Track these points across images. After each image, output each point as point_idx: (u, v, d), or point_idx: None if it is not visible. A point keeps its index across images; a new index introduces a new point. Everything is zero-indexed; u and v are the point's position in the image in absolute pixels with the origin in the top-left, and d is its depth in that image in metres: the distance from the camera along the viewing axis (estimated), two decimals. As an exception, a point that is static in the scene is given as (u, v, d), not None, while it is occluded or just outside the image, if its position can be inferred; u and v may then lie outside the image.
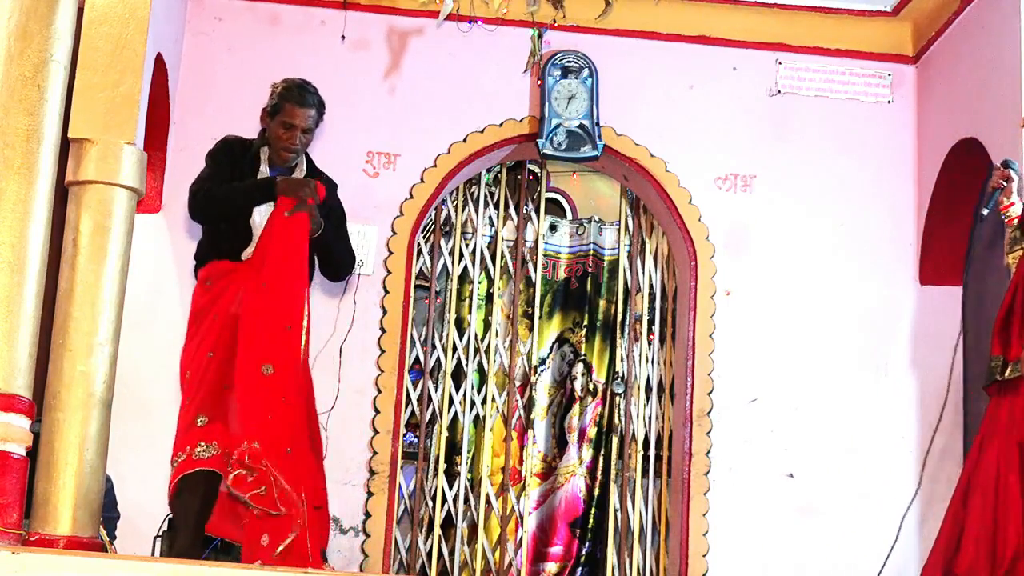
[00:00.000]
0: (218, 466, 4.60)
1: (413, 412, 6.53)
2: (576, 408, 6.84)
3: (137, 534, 5.35)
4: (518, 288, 6.80)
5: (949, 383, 5.64)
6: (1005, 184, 4.66)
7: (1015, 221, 4.62)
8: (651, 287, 6.80)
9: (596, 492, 6.72)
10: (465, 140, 6.30)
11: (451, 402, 6.63)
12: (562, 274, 6.99)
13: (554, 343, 6.95)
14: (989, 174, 4.80)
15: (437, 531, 6.47)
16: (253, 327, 4.68)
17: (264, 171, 4.95)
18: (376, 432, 5.99)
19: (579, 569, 6.68)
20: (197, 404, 4.70)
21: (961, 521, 4.33)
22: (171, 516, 4.86)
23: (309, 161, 5.12)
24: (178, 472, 4.64)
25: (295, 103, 4.94)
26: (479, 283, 6.78)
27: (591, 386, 6.86)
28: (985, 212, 4.76)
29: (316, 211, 4.80)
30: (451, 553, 6.53)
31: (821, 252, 6.32)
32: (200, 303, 4.88)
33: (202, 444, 4.63)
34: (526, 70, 6.18)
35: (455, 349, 6.69)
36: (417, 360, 6.60)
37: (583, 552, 6.70)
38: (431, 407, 6.59)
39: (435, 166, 6.27)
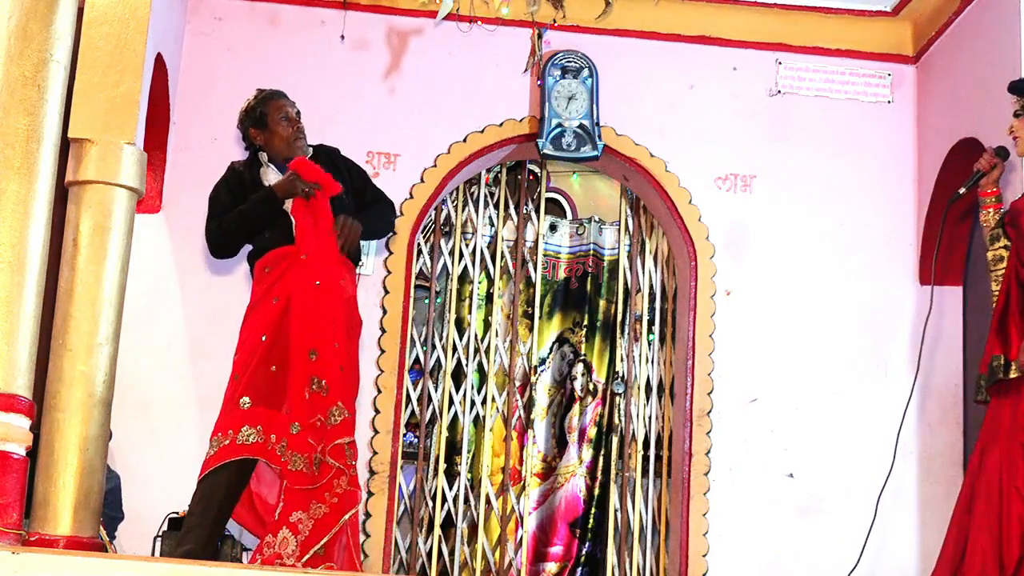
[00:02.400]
0: (259, 452, 4.58)
1: (413, 412, 6.53)
2: (576, 408, 6.84)
3: (137, 534, 5.35)
4: (518, 288, 6.80)
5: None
6: (988, 170, 4.65)
7: (991, 210, 4.61)
8: (651, 287, 6.80)
9: (596, 492, 6.72)
10: (465, 140, 6.30)
11: (451, 402, 6.63)
12: (562, 274, 6.99)
13: (554, 343, 6.95)
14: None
15: (437, 531, 6.47)
16: (304, 313, 4.69)
17: (275, 172, 4.94)
18: (376, 432, 5.99)
19: (579, 569, 6.68)
20: (244, 385, 4.66)
21: (966, 527, 4.31)
22: (192, 499, 4.81)
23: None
24: (221, 456, 4.59)
25: (276, 97, 4.99)
26: (479, 283, 6.78)
27: (591, 386, 6.86)
28: (961, 191, 4.75)
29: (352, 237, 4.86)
30: (451, 553, 6.53)
31: (821, 252, 6.32)
32: (259, 291, 4.83)
33: (246, 428, 4.59)
34: (526, 70, 6.18)
35: (455, 349, 6.69)
36: (417, 360, 6.60)
37: (583, 552, 6.70)
38: (431, 407, 6.59)
39: (435, 166, 6.27)
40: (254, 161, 5.01)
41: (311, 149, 5.06)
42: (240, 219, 4.88)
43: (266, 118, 4.95)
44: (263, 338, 4.70)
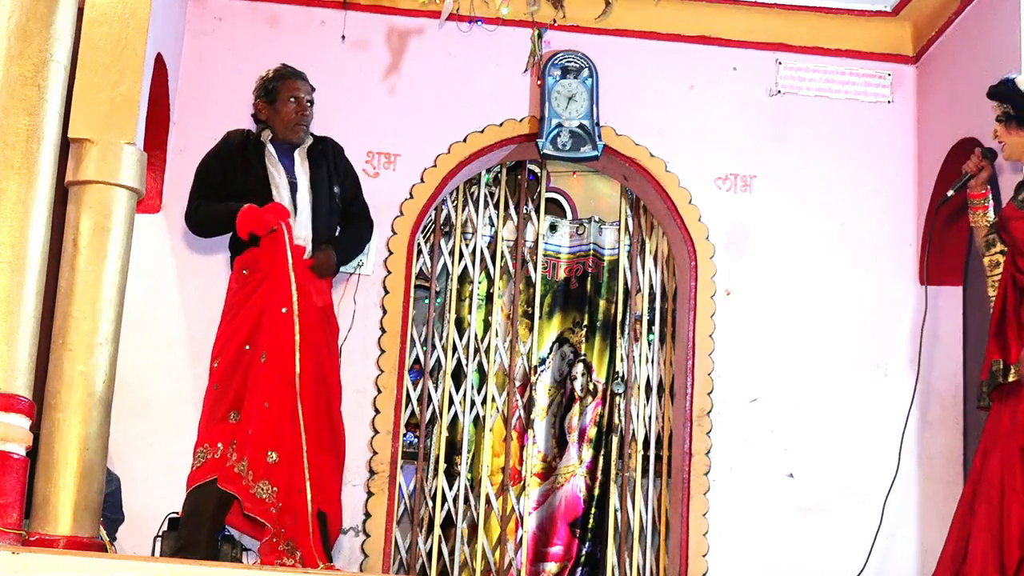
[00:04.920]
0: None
1: (413, 412, 6.53)
2: (576, 408, 6.84)
3: (137, 534, 5.35)
4: (518, 288, 6.80)
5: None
6: (977, 172, 4.64)
7: (980, 212, 4.61)
8: (651, 287, 6.80)
9: (596, 492, 6.72)
10: (465, 140, 6.30)
11: (451, 402, 6.62)
12: (562, 274, 6.99)
13: (554, 343, 6.95)
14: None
15: (437, 531, 6.47)
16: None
17: (272, 152, 4.95)
18: (376, 432, 5.99)
19: (579, 569, 6.68)
20: (231, 398, 4.64)
21: (968, 529, 4.31)
22: (181, 511, 4.81)
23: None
24: (209, 470, 4.58)
25: (293, 77, 5.01)
26: (479, 283, 6.78)
27: (591, 386, 6.86)
28: (950, 193, 4.73)
29: (329, 261, 4.85)
30: (451, 553, 6.52)
31: (821, 252, 6.32)
32: (237, 293, 4.82)
33: (235, 442, 4.60)
34: (526, 70, 6.17)
35: (455, 349, 6.68)
36: (417, 360, 6.60)
37: (583, 552, 6.70)
38: (431, 407, 6.59)
39: (435, 166, 6.27)
40: (257, 138, 4.98)
41: (311, 138, 5.05)
42: (213, 220, 4.92)
43: (276, 94, 4.97)
44: (246, 347, 4.69)
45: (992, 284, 4.53)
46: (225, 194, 4.91)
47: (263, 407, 4.62)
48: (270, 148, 4.95)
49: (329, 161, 5.06)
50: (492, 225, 6.81)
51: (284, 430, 4.65)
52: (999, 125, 4.49)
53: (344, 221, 5.20)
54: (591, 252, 6.96)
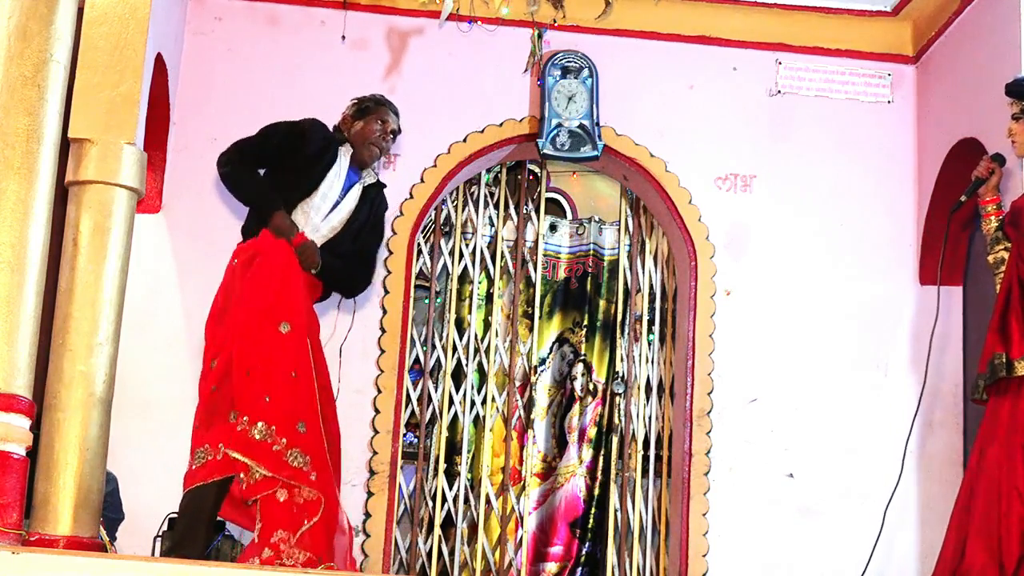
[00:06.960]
0: (241, 467, 4.57)
1: (413, 412, 6.53)
2: (576, 408, 6.84)
3: (137, 534, 5.35)
4: (518, 288, 6.80)
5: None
6: (987, 177, 4.65)
7: (992, 217, 4.62)
8: (651, 287, 6.80)
9: (596, 492, 6.72)
10: (465, 140, 6.30)
11: (451, 402, 6.62)
12: (562, 274, 6.99)
13: (554, 343, 6.95)
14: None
15: (437, 531, 6.47)
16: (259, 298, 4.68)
17: (343, 164, 4.94)
18: (376, 432, 5.99)
19: (579, 569, 6.68)
20: (230, 398, 4.62)
21: (966, 527, 4.31)
22: (179, 510, 4.79)
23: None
24: (210, 472, 4.54)
25: (388, 108, 5.07)
26: (479, 283, 6.78)
27: (591, 386, 6.86)
28: (963, 199, 4.75)
29: (310, 253, 4.81)
30: (451, 553, 6.53)
31: (821, 252, 6.32)
32: (228, 285, 4.81)
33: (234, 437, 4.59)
34: (526, 70, 6.18)
35: (455, 349, 6.68)
36: (417, 360, 6.60)
37: (583, 552, 6.70)
38: (431, 407, 6.59)
39: (435, 166, 6.27)
40: (333, 143, 4.97)
41: (376, 175, 5.06)
42: (252, 190, 4.84)
43: (367, 113, 5.01)
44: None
45: (999, 282, 4.53)
46: (274, 161, 4.87)
47: (290, 376, 4.62)
48: (344, 162, 4.95)
49: (372, 209, 5.06)
50: (492, 225, 6.81)
51: (308, 403, 4.66)
52: (1015, 123, 4.50)
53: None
54: (591, 252, 6.96)
